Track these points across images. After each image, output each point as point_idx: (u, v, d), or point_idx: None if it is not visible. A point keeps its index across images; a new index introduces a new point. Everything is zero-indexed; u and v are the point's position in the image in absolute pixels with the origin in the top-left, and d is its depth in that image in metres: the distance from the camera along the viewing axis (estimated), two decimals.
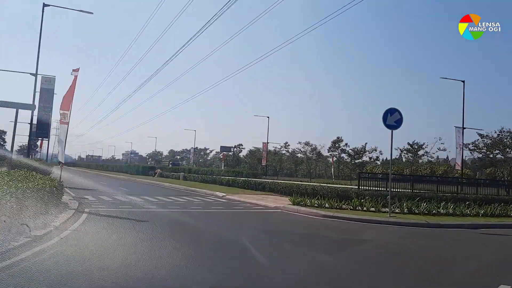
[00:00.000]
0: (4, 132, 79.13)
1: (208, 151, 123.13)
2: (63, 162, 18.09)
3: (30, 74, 25.77)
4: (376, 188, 19.48)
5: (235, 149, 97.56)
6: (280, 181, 28.14)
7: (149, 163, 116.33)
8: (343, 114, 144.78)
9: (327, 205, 16.29)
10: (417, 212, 15.69)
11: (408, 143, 59.84)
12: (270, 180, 27.49)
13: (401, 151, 62.32)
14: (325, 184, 22.94)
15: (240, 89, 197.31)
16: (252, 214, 15.01)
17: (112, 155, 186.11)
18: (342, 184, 29.42)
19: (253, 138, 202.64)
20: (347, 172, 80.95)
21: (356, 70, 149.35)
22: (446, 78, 35.23)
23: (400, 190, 19.16)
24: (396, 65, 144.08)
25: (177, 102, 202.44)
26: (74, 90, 16.83)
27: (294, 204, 16.77)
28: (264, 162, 75.42)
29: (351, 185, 30.26)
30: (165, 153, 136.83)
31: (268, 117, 63.98)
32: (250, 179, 30.16)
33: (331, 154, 79.65)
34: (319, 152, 72.82)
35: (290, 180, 34.99)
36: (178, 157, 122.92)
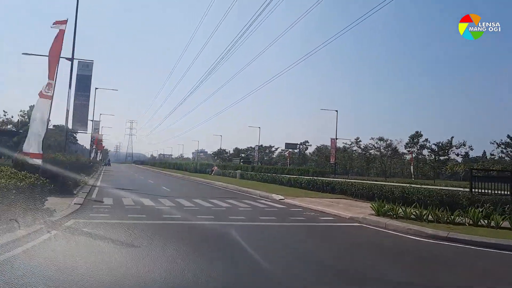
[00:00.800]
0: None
1: (273, 149, 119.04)
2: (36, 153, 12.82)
3: (66, 58, 23.28)
4: (497, 192, 13.71)
5: (301, 146, 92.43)
6: (354, 180, 22.64)
7: (217, 161, 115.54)
8: (420, 106, 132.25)
9: (430, 217, 10.93)
10: None
11: (509, 136, 50.25)
12: (341, 180, 22.09)
13: (498, 145, 52.61)
14: (418, 186, 17.15)
15: (305, 82, 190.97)
16: (318, 231, 10.11)
17: (181, 154, 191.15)
18: (425, 185, 23.24)
19: (321, 134, 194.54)
20: (425, 170, 72.05)
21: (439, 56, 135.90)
22: None
23: None
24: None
25: (240, 96, 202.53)
26: (60, 50, 12.16)
27: (378, 215, 11.55)
28: (332, 160, 69.49)
29: (434, 185, 23.96)
30: (231, 151, 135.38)
31: (337, 111, 57.90)
32: (316, 178, 25.07)
33: (408, 151, 71.33)
34: (395, 148, 65.00)
35: (363, 180, 29.34)
36: (243, 154, 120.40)
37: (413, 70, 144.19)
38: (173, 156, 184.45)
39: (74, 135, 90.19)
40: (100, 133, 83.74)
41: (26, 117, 60.29)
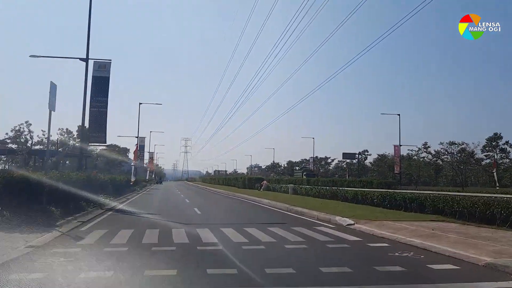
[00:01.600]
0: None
1: (329, 160, 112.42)
2: None
3: (80, 59, 19.93)
4: None
5: (359, 156, 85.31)
6: (454, 193, 16.69)
7: (271, 175, 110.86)
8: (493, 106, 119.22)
9: None
10: None
11: None
12: (434, 193, 16.19)
13: None
14: None
15: (363, 86, 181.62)
16: None
17: (234, 169, 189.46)
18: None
19: (381, 143, 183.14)
20: (507, 177, 62.10)
21: None
22: None
23: None
24: None
25: (291, 103, 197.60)
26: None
27: None
28: (397, 169, 62.32)
29: None
30: (284, 164, 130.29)
31: (399, 114, 51.24)
32: (393, 191, 19.53)
33: (486, 155, 62.27)
34: (472, 152, 56.49)
35: (434, 190, 23.22)
36: (297, 167, 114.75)
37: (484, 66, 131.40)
38: (227, 172, 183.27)
39: (126, 154, 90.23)
40: (149, 150, 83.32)
41: (65, 135, 59.78)
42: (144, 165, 46.90)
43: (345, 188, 24.26)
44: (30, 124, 54.84)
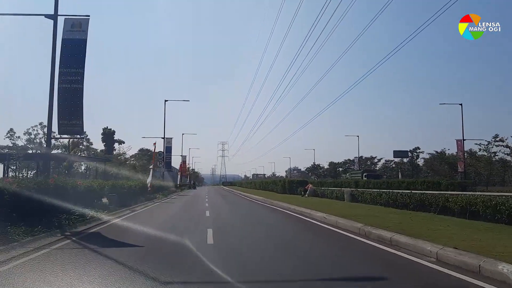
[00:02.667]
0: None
1: (375, 160, 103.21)
2: None
3: (45, 16, 13.89)
4: None
5: (412, 154, 76.04)
6: None
7: (311, 177, 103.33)
8: None
9: None
10: None
11: None
12: None
13: None
14: None
15: (412, 73, 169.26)
16: None
17: (273, 172, 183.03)
18: None
19: (437, 138, 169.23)
20: None
21: None
22: None
23: None
24: None
25: (331, 100, 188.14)
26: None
27: None
28: (461, 167, 53.60)
29: None
30: (325, 165, 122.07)
31: (461, 104, 43.06)
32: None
33: None
34: None
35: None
36: (341, 168, 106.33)
37: None
38: (266, 175, 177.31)
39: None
40: (182, 153, 78.27)
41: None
42: (164, 169, 41.08)
43: (418, 192, 16.94)
44: (45, 126, 50.69)
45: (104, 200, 21.58)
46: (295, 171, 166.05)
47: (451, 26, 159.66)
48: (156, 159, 38.03)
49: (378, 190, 21.77)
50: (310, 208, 17.03)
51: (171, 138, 49.63)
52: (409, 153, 73.78)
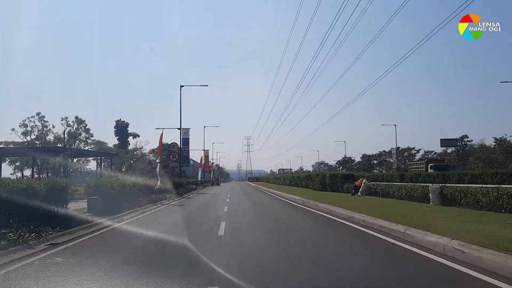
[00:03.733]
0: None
1: (413, 151, 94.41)
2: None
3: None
4: None
5: (461, 142, 67.12)
6: None
7: (342, 171, 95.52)
8: None
9: None
10: None
11: None
12: None
13: None
14: None
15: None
16: None
17: (300, 167, 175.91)
18: None
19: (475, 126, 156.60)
20: None
21: None
22: None
23: None
24: None
25: (360, 89, 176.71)
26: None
27: None
28: None
29: None
30: (356, 159, 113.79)
31: None
32: None
33: None
34: None
35: None
36: (375, 161, 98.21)
37: None
38: (292, 170, 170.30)
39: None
40: (204, 148, 72.29)
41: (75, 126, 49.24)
42: (177, 164, 34.65)
43: None
44: (43, 116, 45.24)
45: (80, 205, 15.50)
46: (321, 165, 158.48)
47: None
48: (168, 151, 31.90)
49: (480, 186, 14.57)
50: (383, 214, 10.15)
51: (188, 129, 43.40)
52: (458, 141, 65.23)
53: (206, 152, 77.88)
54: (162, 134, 23.73)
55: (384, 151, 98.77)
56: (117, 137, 53.17)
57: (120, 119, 53.44)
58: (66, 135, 42.65)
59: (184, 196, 31.26)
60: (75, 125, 44.96)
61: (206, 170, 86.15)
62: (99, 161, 48.10)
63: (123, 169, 48.86)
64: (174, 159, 33.48)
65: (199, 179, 55.84)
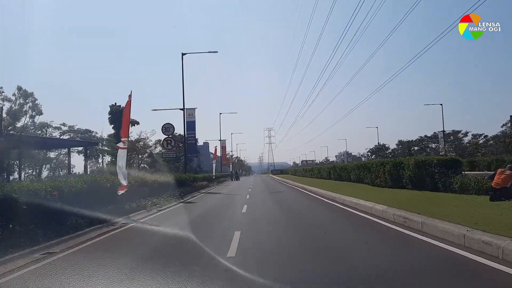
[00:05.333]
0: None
1: (459, 135, 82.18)
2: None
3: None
4: None
5: None
6: None
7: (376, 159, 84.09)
8: None
9: None
10: None
11: None
12: None
13: None
14: None
15: None
16: None
17: (326, 157, 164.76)
18: None
19: None
20: None
21: None
22: None
23: None
24: None
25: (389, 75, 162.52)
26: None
27: None
28: None
29: None
30: (391, 146, 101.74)
31: None
32: None
33: None
34: None
35: None
36: (416, 147, 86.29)
37: None
38: (316, 161, 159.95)
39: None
40: (220, 138, 62.75)
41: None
42: (172, 154, 24.48)
43: None
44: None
45: None
46: (343, 157, 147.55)
47: None
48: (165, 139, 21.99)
49: None
50: None
51: (194, 109, 33.37)
52: None
53: (223, 143, 68.28)
54: (129, 102, 13.78)
55: (426, 135, 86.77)
56: (112, 126, 43.80)
57: (115, 103, 44.04)
58: (3, 114, 32.93)
59: (184, 199, 21.56)
60: (19, 100, 34.73)
61: (224, 163, 76.58)
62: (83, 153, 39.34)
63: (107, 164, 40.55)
64: (170, 147, 23.44)
65: (214, 173, 46.08)
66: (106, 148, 49.66)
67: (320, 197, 19.13)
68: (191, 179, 30.81)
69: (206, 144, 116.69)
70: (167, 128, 23.14)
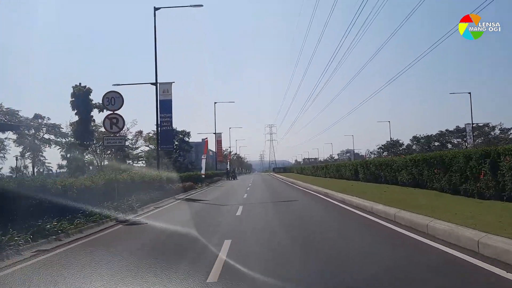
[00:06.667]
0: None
1: (486, 129, 73.16)
2: None
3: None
4: None
5: None
6: None
7: (389, 157, 74.81)
8: None
9: None
10: None
11: None
12: None
13: None
14: None
15: None
16: None
17: (330, 155, 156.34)
18: None
19: None
20: None
21: None
22: None
23: None
24: None
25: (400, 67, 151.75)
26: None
27: None
28: None
29: None
30: (406, 141, 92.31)
31: None
32: None
33: None
34: None
35: None
36: (437, 143, 77.11)
37: None
38: (319, 159, 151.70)
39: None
40: (215, 131, 53.54)
41: None
42: (118, 142, 15.35)
43: None
44: None
45: None
46: (347, 154, 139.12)
47: None
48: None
49: None
50: None
51: (170, 83, 24.19)
52: None
53: (218, 136, 59.13)
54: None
55: (447, 130, 77.64)
56: (75, 111, 34.79)
57: (80, 83, 35.00)
58: None
59: (127, 218, 12.49)
60: None
61: (220, 160, 67.53)
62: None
63: None
64: (116, 129, 13.81)
65: (203, 171, 37.02)
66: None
67: (330, 202, 10.00)
68: (163, 179, 21.76)
69: (204, 142, 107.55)
70: (111, 99, 14.06)
